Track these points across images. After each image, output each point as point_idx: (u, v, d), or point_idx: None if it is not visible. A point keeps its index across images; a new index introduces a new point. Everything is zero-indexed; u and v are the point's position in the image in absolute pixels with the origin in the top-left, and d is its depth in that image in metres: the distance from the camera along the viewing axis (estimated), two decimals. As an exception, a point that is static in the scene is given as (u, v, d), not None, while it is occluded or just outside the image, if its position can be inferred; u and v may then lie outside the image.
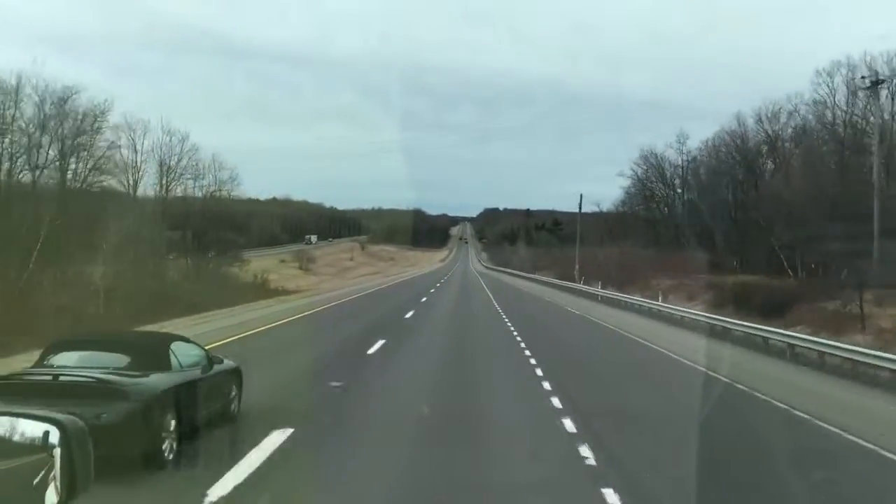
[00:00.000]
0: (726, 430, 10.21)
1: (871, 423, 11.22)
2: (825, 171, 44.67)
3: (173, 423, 7.64)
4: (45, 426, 1.91)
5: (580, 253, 62.87)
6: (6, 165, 32.53)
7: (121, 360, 8.07)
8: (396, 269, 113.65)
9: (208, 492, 6.52)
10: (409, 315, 29.00)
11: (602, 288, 46.89)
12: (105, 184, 38.35)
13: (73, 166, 35.55)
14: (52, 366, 7.92)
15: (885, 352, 16.57)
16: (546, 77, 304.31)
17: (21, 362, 11.57)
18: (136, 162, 45.51)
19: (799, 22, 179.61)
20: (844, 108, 46.16)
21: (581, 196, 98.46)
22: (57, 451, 1.88)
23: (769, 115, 52.58)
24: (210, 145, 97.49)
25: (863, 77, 39.16)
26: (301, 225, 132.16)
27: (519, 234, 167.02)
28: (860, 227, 31.77)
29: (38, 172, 33.59)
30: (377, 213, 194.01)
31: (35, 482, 1.85)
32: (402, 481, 7.43)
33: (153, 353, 8.40)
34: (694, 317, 27.55)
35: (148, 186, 47.09)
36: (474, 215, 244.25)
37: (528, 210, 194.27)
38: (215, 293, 35.80)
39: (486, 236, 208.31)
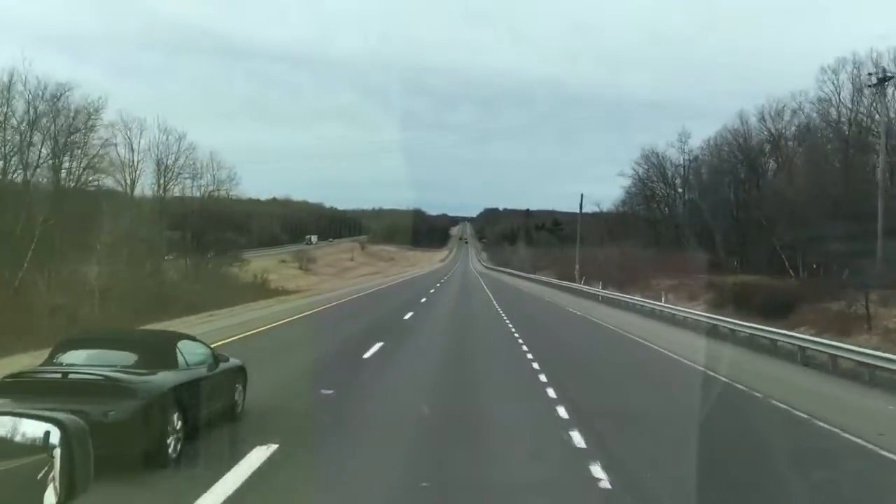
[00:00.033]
0: (726, 430, 10.22)
1: (872, 423, 11.21)
2: (829, 169, 44.27)
3: (179, 421, 7.71)
4: (46, 426, 1.91)
5: (580, 253, 62.73)
6: (-1, 164, 32.11)
7: (129, 358, 8.15)
8: (396, 269, 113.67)
9: (208, 491, 6.52)
10: (408, 315, 28.98)
11: (602, 288, 46.83)
12: (101, 183, 37.97)
13: (66, 165, 35.04)
14: (61, 364, 8.01)
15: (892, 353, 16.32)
16: (546, 77, 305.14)
17: (17, 364, 11.58)
18: (133, 161, 45.03)
19: (799, 22, 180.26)
20: (849, 106, 45.71)
21: (581, 196, 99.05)
22: (57, 452, 1.88)
23: (773, 113, 52.30)
24: (210, 145, 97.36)
25: (869, 74, 38.80)
26: (301, 225, 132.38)
27: (519, 235, 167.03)
28: (863, 227, 31.66)
29: (31, 171, 33.16)
30: (377, 213, 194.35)
31: (35, 482, 1.85)
32: (402, 481, 7.43)
33: (160, 352, 8.49)
34: (695, 317, 27.51)
35: (146, 186, 46.88)
36: (474, 215, 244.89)
37: (528, 210, 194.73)
38: (215, 293, 35.81)
39: (486, 236, 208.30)
